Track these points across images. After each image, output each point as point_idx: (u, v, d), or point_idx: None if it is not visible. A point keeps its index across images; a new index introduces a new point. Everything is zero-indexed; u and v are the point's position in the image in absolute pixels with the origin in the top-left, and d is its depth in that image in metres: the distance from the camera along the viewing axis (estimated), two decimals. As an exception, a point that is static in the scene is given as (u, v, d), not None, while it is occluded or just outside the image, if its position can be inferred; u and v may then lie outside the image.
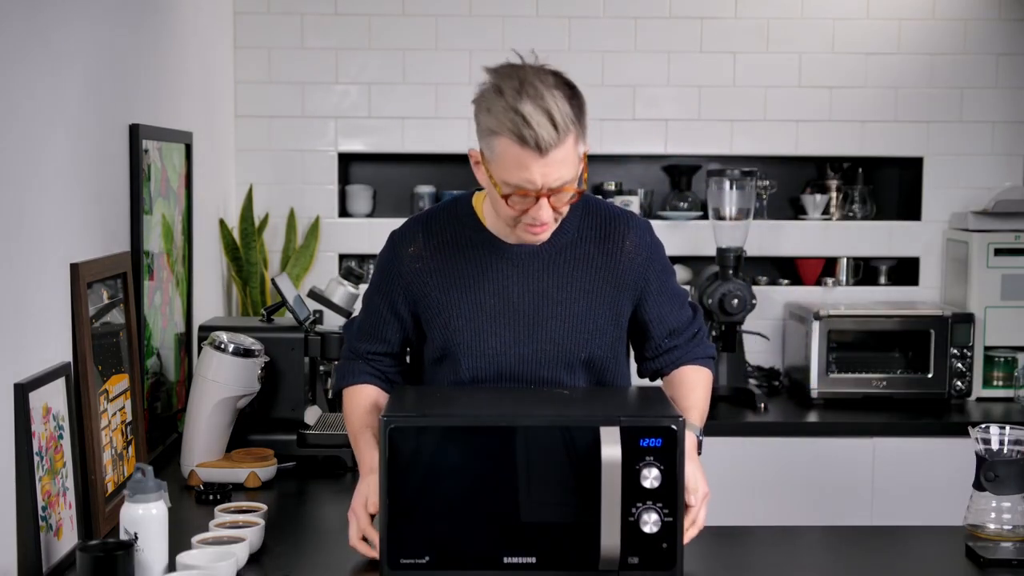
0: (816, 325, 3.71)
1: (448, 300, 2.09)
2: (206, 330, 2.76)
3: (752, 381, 3.88)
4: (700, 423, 2.14)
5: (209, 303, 3.50)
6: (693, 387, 2.20)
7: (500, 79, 1.90)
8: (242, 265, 3.69)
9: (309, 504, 2.52)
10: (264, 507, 2.23)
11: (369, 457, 2.03)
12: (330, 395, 3.11)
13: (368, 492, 1.97)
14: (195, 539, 2.02)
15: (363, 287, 3.15)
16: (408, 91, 3.96)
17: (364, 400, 2.17)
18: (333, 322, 3.44)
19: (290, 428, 2.77)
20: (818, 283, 4.09)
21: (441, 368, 2.15)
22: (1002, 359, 3.83)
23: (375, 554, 1.92)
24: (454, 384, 2.12)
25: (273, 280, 2.87)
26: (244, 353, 2.61)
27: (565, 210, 1.99)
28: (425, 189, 4.04)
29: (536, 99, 1.86)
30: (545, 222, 1.95)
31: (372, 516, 1.96)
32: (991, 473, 2.15)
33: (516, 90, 1.86)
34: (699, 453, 2.06)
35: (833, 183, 4.12)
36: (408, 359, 2.27)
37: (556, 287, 2.08)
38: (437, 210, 2.17)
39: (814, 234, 4.06)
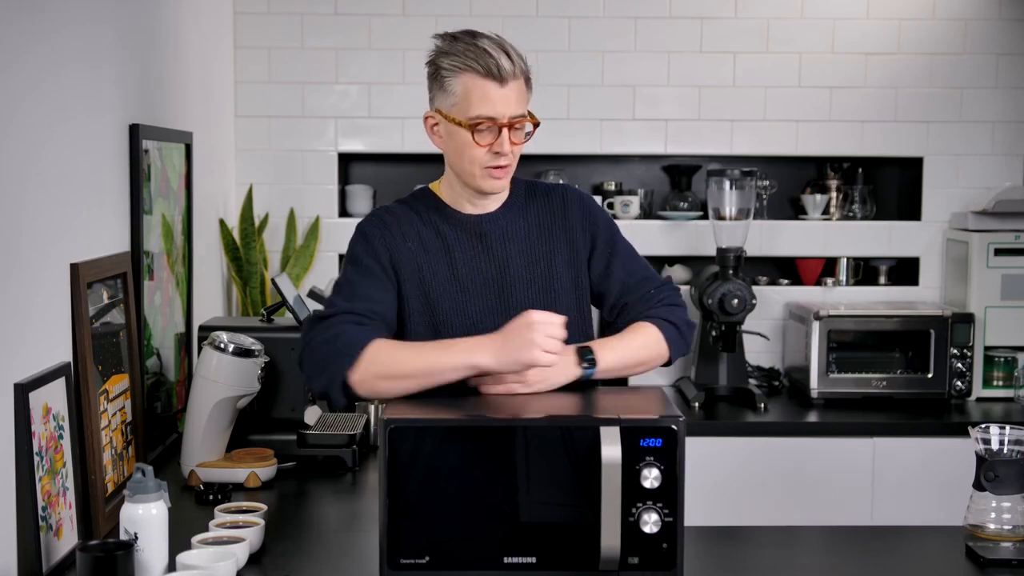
0: (816, 325, 3.71)
1: (427, 268, 2.15)
2: (206, 330, 2.76)
3: (752, 381, 3.88)
4: (603, 349, 2.10)
5: (209, 303, 3.50)
6: (625, 333, 2.18)
7: (454, 34, 2.14)
8: (242, 265, 3.69)
9: (309, 504, 2.52)
10: (264, 507, 2.23)
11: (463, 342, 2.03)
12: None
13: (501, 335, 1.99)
14: (195, 539, 2.02)
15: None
16: (408, 91, 3.96)
17: (399, 343, 2.09)
18: (333, 322, 3.43)
19: (290, 428, 2.77)
20: (818, 283, 4.09)
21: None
22: (1002, 359, 3.83)
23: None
24: None
25: (273, 280, 2.87)
26: (244, 353, 2.61)
27: (519, 151, 2.14)
28: (425, 189, 4.04)
29: (491, 39, 2.10)
30: (507, 157, 2.10)
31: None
32: (991, 473, 2.15)
33: (471, 35, 2.11)
34: (585, 363, 2.07)
35: (833, 183, 4.12)
36: None
37: (518, 252, 2.19)
38: (397, 202, 2.26)
39: (814, 234, 4.06)
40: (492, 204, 2.21)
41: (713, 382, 3.78)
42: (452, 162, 2.16)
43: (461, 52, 2.07)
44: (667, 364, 2.23)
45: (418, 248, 2.16)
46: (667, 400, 2.00)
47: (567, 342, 2.08)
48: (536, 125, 2.13)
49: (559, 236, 2.21)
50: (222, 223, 3.67)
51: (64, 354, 2.15)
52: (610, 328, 2.25)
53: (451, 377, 1.99)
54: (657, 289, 2.24)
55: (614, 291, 2.23)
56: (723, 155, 4.05)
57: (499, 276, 2.17)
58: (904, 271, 4.13)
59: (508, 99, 2.06)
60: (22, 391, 1.91)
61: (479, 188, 2.14)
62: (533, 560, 1.81)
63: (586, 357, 2.07)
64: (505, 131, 2.07)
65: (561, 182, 2.13)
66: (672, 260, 4.09)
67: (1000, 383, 3.83)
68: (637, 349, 2.16)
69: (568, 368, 2.05)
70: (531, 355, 1.96)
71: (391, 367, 2.01)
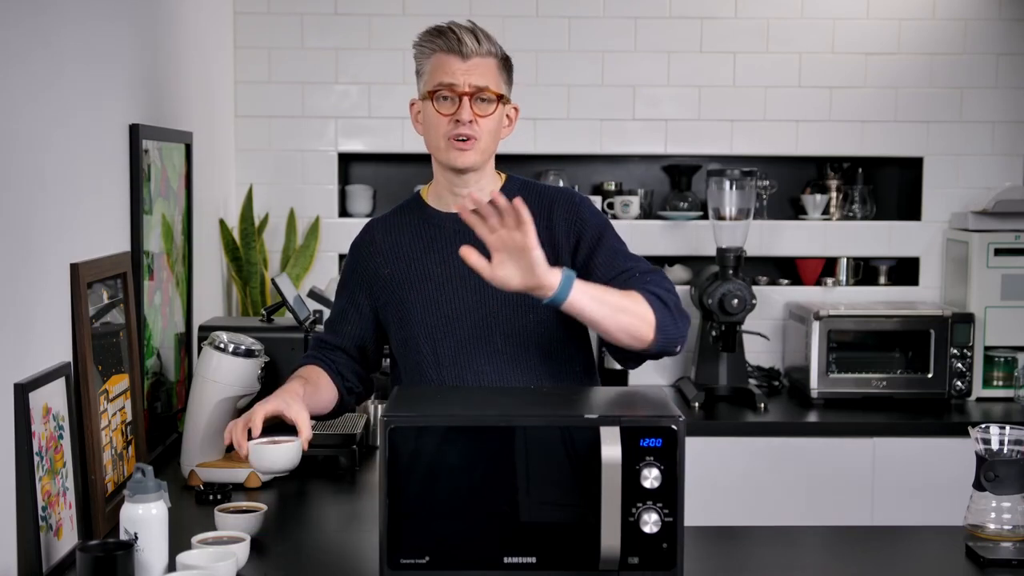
0: (816, 325, 3.71)
1: (399, 274, 2.25)
2: (206, 330, 2.76)
3: (752, 381, 3.88)
4: (587, 287, 2.04)
5: (209, 303, 3.50)
6: (615, 290, 2.11)
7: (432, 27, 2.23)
8: (242, 265, 3.69)
9: (309, 504, 2.52)
10: (264, 507, 2.23)
11: (287, 385, 2.22)
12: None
13: (264, 404, 2.14)
14: (195, 539, 2.02)
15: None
16: (408, 91, 3.89)
17: (299, 371, 2.32)
18: (333, 322, 3.44)
19: (290, 428, 2.76)
20: (818, 283, 4.09)
21: (406, 352, 2.26)
22: (1002, 359, 3.83)
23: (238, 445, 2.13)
24: (416, 364, 2.23)
25: (273, 280, 2.87)
26: (244, 353, 2.61)
27: (487, 125, 2.18)
28: (425, 189, 4.05)
29: (463, 25, 2.20)
30: (468, 127, 2.15)
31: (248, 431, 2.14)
32: (991, 473, 2.15)
33: (445, 22, 2.21)
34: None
35: (833, 183, 4.12)
36: (373, 366, 2.42)
37: None
38: (388, 211, 2.38)
39: (814, 234, 4.06)
40: None
41: (713, 382, 3.78)
42: (427, 143, 2.23)
43: (429, 35, 2.20)
44: (655, 354, 2.13)
45: (388, 258, 2.27)
46: (667, 400, 2.00)
47: (548, 347, 2.23)
48: (500, 98, 2.17)
49: (541, 237, 2.09)
50: (222, 223, 3.67)
51: (64, 354, 2.15)
52: None
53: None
54: (642, 274, 2.16)
55: (605, 278, 2.15)
56: (723, 155, 4.05)
57: (478, 275, 2.08)
58: (904, 271, 4.13)
59: (470, 71, 2.15)
60: (22, 391, 1.91)
61: (448, 162, 2.20)
62: (533, 560, 1.81)
63: (566, 273, 2.01)
64: (466, 100, 2.14)
65: (561, 184, 2.15)
66: (672, 260, 4.09)
67: (1000, 383, 3.83)
68: (618, 297, 2.08)
69: (550, 275, 1.98)
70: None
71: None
